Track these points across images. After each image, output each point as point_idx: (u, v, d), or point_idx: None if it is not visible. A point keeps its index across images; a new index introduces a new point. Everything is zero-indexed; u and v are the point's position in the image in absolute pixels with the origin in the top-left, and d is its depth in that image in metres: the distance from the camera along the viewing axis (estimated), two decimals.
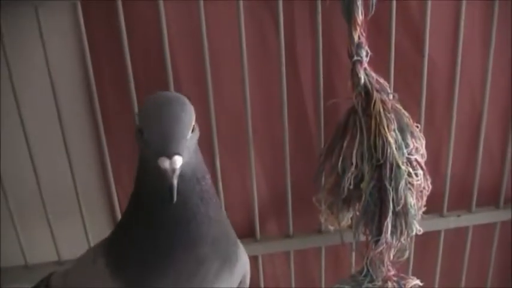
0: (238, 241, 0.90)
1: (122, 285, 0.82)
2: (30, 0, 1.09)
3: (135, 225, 0.82)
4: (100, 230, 1.29)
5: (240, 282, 0.92)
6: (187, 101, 0.77)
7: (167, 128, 0.74)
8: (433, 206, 1.25)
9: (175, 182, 0.73)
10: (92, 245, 1.24)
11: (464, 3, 1.16)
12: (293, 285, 1.39)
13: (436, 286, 1.44)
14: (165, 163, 0.73)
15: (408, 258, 1.28)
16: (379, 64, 1.13)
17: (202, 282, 0.82)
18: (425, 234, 1.15)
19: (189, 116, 0.76)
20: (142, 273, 0.81)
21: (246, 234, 1.31)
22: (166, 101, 0.77)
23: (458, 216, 1.36)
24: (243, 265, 0.91)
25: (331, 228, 1.23)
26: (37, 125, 1.19)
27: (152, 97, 0.78)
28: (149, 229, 0.80)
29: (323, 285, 1.40)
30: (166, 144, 0.73)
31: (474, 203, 1.36)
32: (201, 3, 1.11)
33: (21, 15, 1.13)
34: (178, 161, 0.73)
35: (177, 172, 0.73)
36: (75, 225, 1.26)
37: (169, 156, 0.73)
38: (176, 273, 0.80)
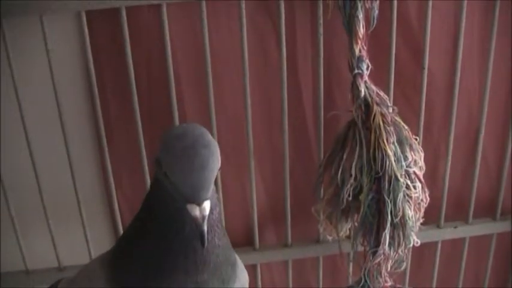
0: (237, 259, 0.90)
1: None
2: (35, 9, 1.09)
3: (141, 243, 0.82)
4: (100, 236, 1.31)
5: None
6: (211, 139, 0.75)
7: (197, 177, 0.72)
8: (430, 217, 1.26)
9: (205, 228, 0.72)
10: (92, 251, 1.27)
11: (463, 15, 1.17)
12: None
13: None
14: (195, 211, 0.72)
15: (405, 269, 1.29)
16: (379, 76, 1.15)
17: None
18: (422, 245, 1.16)
19: (216, 159, 0.74)
20: None
21: (245, 242, 1.32)
22: (192, 143, 0.73)
23: (455, 227, 1.37)
24: (241, 284, 0.91)
25: (329, 238, 1.24)
26: (39, 131, 1.20)
27: (175, 134, 0.76)
28: (155, 250, 0.80)
29: None
30: (197, 192, 0.72)
31: (471, 214, 1.37)
32: (204, 13, 1.12)
33: (26, 24, 1.14)
34: (207, 207, 0.73)
35: (206, 218, 0.73)
36: (76, 231, 1.27)
37: (199, 204, 0.72)
38: None
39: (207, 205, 0.73)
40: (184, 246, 0.79)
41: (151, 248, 0.81)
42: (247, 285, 0.94)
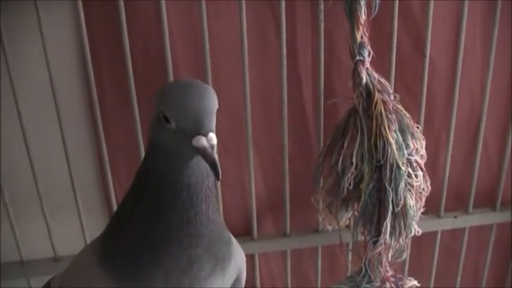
0: (232, 238, 0.89)
1: (111, 278, 0.81)
2: None
3: (133, 218, 0.81)
4: (97, 226, 1.28)
5: (235, 280, 0.91)
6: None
7: (199, 107, 0.72)
8: (430, 207, 1.24)
9: (216, 157, 0.71)
10: (88, 241, 1.25)
11: (466, 4, 1.16)
12: (289, 284, 1.39)
13: (431, 286, 1.44)
14: (202, 141, 0.71)
15: (404, 259, 1.28)
16: (380, 64, 1.13)
17: (193, 281, 0.81)
18: (421, 234, 1.15)
19: (214, 94, 0.75)
20: (132, 267, 0.80)
21: (243, 232, 1.32)
22: (190, 83, 0.76)
23: (455, 217, 1.37)
24: (237, 265, 0.90)
25: (329, 228, 1.23)
26: (35, 120, 1.19)
27: (171, 83, 0.78)
28: (147, 223, 0.79)
29: (319, 285, 1.40)
30: (201, 122, 0.72)
31: (471, 204, 1.36)
32: (203, 2, 1.10)
33: (21, 9, 1.12)
34: (214, 138, 0.72)
35: (216, 149, 0.72)
36: (72, 221, 1.26)
37: (206, 134, 0.72)
38: (167, 270, 0.79)
39: (213, 136, 0.72)
40: (178, 216, 0.78)
41: (142, 222, 0.79)
42: (244, 266, 0.93)
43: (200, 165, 0.77)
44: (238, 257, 0.90)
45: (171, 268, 0.79)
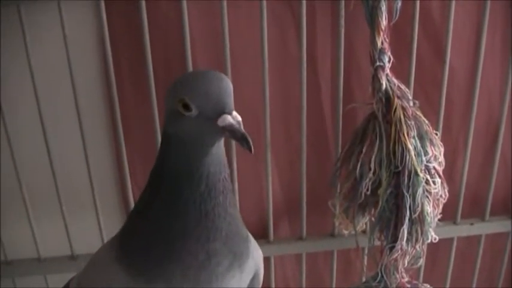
0: (250, 235, 0.89)
1: (128, 274, 0.81)
2: None
3: (150, 214, 0.81)
4: (114, 225, 1.29)
5: (253, 277, 0.91)
6: None
7: (219, 90, 0.74)
8: (447, 214, 1.24)
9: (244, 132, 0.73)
10: (105, 239, 1.26)
11: (487, 11, 1.16)
12: (303, 287, 1.39)
13: None
14: (228, 119, 0.73)
15: (420, 265, 1.28)
16: (399, 70, 1.13)
17: (211, 276, 0.81)
18: (437, 241, 1.15)
19: (227, 78, 0.76)
20: (149, 263, 0.80)
21: (259, 235, 1.32)
22: (205, 72, 0.77)
23: (472, 224, 1.36)
24: (255, 262, 0.90)
25: (345, 232, 1.23)
26: (55, 119, 1.20)
27: (185, 75, 0.78)
28: (164, 218, 0.79)
29: None
30: (223, 103, 0.73)
31: (488, 212, 1.36)
32: (224, 2, 1.11)
33: (44, 9, 1.13)
34: (238, 115, 0.74)
35: (242, 125, 0.73)
36: (90, 220, 1.27)
37: (230, 113, 0.73)
38: (184, 266, 0.79)
39: (236, 114, 0.74)
40: (196, 209, 0.78)
41: (159, 217, 0.80)
42: (261, 264, 0.93)
43: (218, 154, 0.78)
44: (255, 254, 0.90)
45: (189, 263, 0.79)
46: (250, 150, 0.72)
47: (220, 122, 0.73)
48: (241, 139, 0.72)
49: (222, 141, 0.80)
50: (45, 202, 1.26)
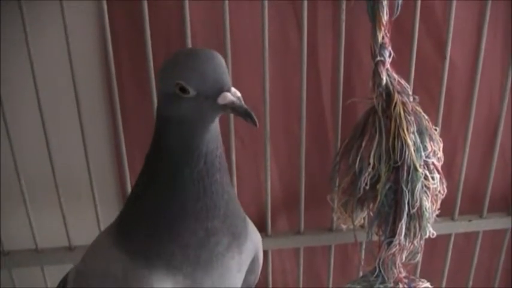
0: (248, 218, 0.90)
1: (127, 258, 0.81)
2: None
3: (148, 196, 0.81)
4: (112, 217, 1.27)
5: (253, 260, 0.91)
6: None
7: (215, 68, 0.74)
8: (445, 210, 1.24)
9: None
10: None
11: (489, 6, 1.16)
12: (301, 281, 1.39)
13: None
14: (229, 96, 0.73)
15: (417, 260, 1.28)
16: (400, 66, 1.13)
17: (211, 256, 0.81)
18: (435, 237, 1.15)
19: (218, 55, 0.76)
20: (148, 243, 0.80)
21: (257, 228, 1.29)
22: (196, 51, 0.77)
23: (470, 220, 1.36)
24: (254, 244, 0.90)
25: (343, 226, 1.23)
26: (54, 110, 1.19)
27: (178, 54, 0.77)
28: (163, 198, 0.80)
29: (330, 283, 1.40)
30: (221, 81, 0.73)
31: (486, 208, 1.36)
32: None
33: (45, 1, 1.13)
34: (237, 91, 0.74)
35: (242, 100, 0.73)
36: (87, 211, 1.26)
37: (229, 90, 0.73)
38: (184, 244, 0.80)
39: (235, 90, 0.74)
40: (195, 186, 0.78)
41: (157, 198, 0.80)
42: (260, 247, 0.93)
43: (215, 131, 0.79)
44: (254, 236, 0.91)
45: (188, 242, 0.80)
46: (255, 124, 0.73)
47: (221, 100, 0.73)
48: (245, 115, 0.73)
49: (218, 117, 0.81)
50: (43, 193, 1.26)
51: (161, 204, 0.80)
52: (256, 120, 0.73)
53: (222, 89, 0.73)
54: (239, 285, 0.89)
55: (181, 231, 0.79)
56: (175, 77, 0.74)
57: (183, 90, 0.74)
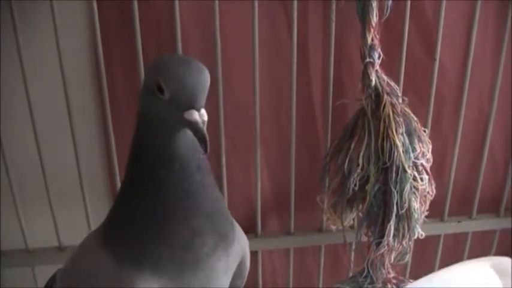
0: (235, 221, 0.90)
1: (114, 260, 0.81)
2: None
3: (131, 197, 0.81)
4: (102, 217, 1.27)
5: (240, 263, 0.91)
6: None
7: (196, 83, 0.74)
8: (434, 211, 1.25)
9: (205, 132, 0.73)
10: None
11: (478, 8, 1.16)
12: (291, 282, 1.39)
13: None
14: (195, 115, 0.73)
15: (407, 261, 1.28)
16: (389, 67, 1.14)
17: (197, 256, 0.81)
18: (424, 238, 1.16)
19: (208, 73, 0.76)
20: (135, 246, 0.80)
21: (247, 229, 1.29)
22: (188, 60, 0.77)
23: (459, 222, 1.37)
24: (241, 247, 0.90)
25: (333, 227, 1.23)
26: (44, 111, 1.19)
27: (169, 56, 0.78)
28: (145, 199, 0.79)
29: (321, 283, 1.40)
30: (196, 97, 0.73)
31: (475, 209, 1.36)
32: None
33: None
34: (205, 114, 0.74)
35: (205, 125, 0.73)
36: (78, 211, 1.26)
37: (198, 109, 0.73)
38: (170, 245, 0.79)
39: (205, 112, 0.74)
40: (174, 188, 0.79)
41: (140, 199, 0.80)
42: (247, 250, 0.93)
43: (190, 136, 0.78)
44: (241, 239, 0.91)
45: (174, 243, 0.79)
46: (206, 151, 0.73)
47: (187, 115, 0.73)
48: (201, 139, 0.73)
49: None
50: (33, 193, 1.25)
51: (145, 204, 0.80)
52: (208, 148, 0.73)
53: (192, 106, 0.73)
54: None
55: (165, 232, 0.79)
56: (159, 74, 0.74)
57: (160, 89, 0.74)
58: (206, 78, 0.75)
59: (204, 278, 0.82)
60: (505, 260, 1.15)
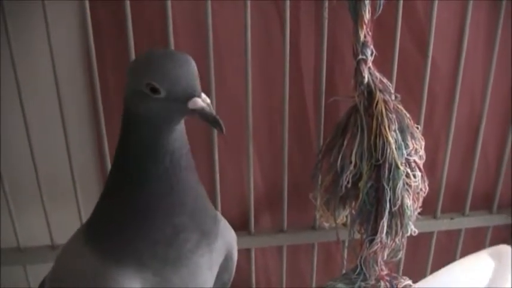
0: (220, 216, 0.90)
1: (98, 256, 0.81)
2: None
3: (115, 193, 0.82)
4: None
5: (225, 259, 0.91)
6: None
7: (187, 72, 0.74)
8: (427, 208, 1.25)
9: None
10: None
11: (470, 7, 1.17)
12: (284, 279, 1.39)
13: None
14: (199, 103, 0.74)
15: (400, 258, 1.28)
16: (382, 64, 1.14)
17: (179, 252, 0.81)
18: (417, 235, 1.15)
19: (191, 58, 0.77)
20: (118, 242, 0.80)
21: (240, 227, 1.31)
22: (170, 53, 0.78)
23: (452, 218, 1.37)
24: (225, 243, 0.90)
25: (326, 225, 1.23)
26: (36, 108, 1.19)
27: (150, 54, 0.77)
28: (130, 195, 0.79)
29: (314, 281, 1.40)
30: (193, 86, 0.74)
31: (468, 206, 1.37)
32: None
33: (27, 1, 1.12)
34: (207, 97, 0.75)
35: (212, 107, 0.75)
36: (70, 209, 1.26)
37: (199, 96, 0.74)
38: (153, 241, 0.79)
39: (205, 96, 0.75)
40: (161, 184, 0.79)
41: (125, 195, 0.80)
42: (234, 245, 0.93)
43: (180, 130, 0.79)
44: (226, 234, 0.91)
45: (156, 239, 0.79)
46: (222, 131, 0.74)
47: (191, 105, 0.74)
48: (213, 122, 0.75)
49: None
50: (25, 191, 1.25)
51: (128, 201, 0.80)
52: (223, 127, 0.74)
53: (193, 94, 0.74)
54: (210, 284, 0.89)
55: (148, 228, 0.79)
56: (148, 76, 0.74)
57: (154, 90, 0.74)
58: (193, 65, 0.76)
59: (187, 274, 0.82)
60: (503, 248, 1.16)
